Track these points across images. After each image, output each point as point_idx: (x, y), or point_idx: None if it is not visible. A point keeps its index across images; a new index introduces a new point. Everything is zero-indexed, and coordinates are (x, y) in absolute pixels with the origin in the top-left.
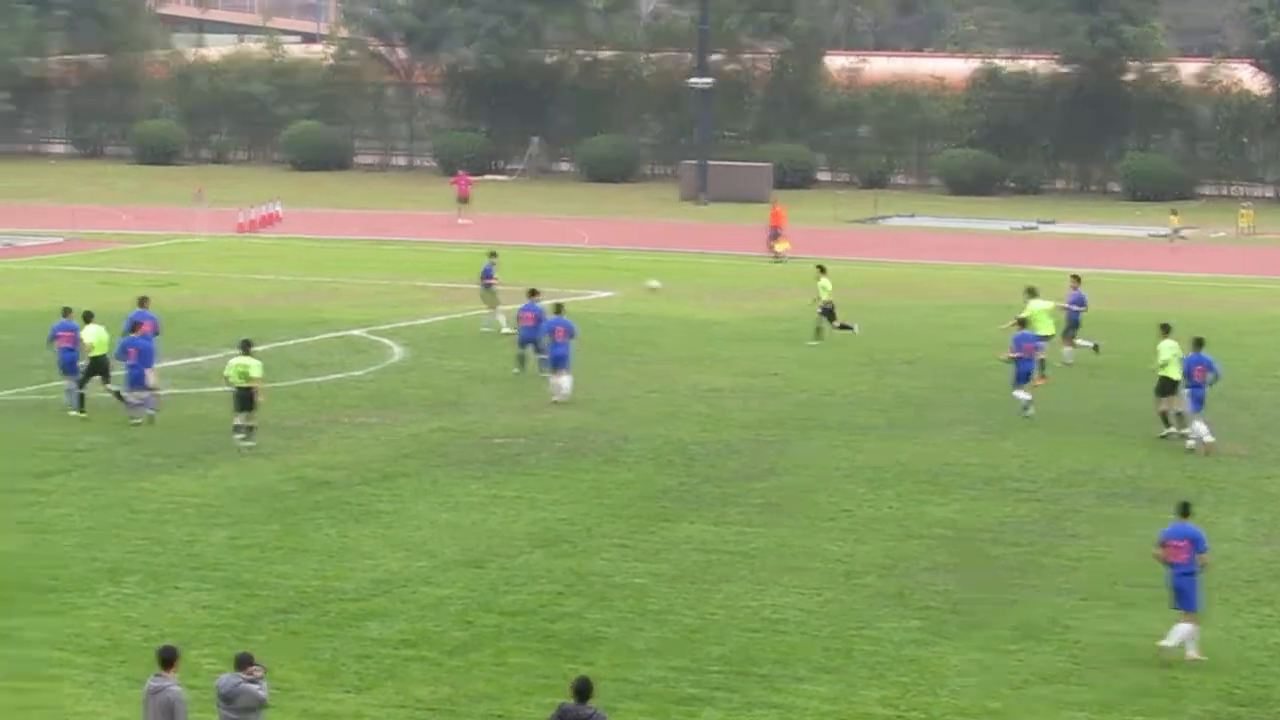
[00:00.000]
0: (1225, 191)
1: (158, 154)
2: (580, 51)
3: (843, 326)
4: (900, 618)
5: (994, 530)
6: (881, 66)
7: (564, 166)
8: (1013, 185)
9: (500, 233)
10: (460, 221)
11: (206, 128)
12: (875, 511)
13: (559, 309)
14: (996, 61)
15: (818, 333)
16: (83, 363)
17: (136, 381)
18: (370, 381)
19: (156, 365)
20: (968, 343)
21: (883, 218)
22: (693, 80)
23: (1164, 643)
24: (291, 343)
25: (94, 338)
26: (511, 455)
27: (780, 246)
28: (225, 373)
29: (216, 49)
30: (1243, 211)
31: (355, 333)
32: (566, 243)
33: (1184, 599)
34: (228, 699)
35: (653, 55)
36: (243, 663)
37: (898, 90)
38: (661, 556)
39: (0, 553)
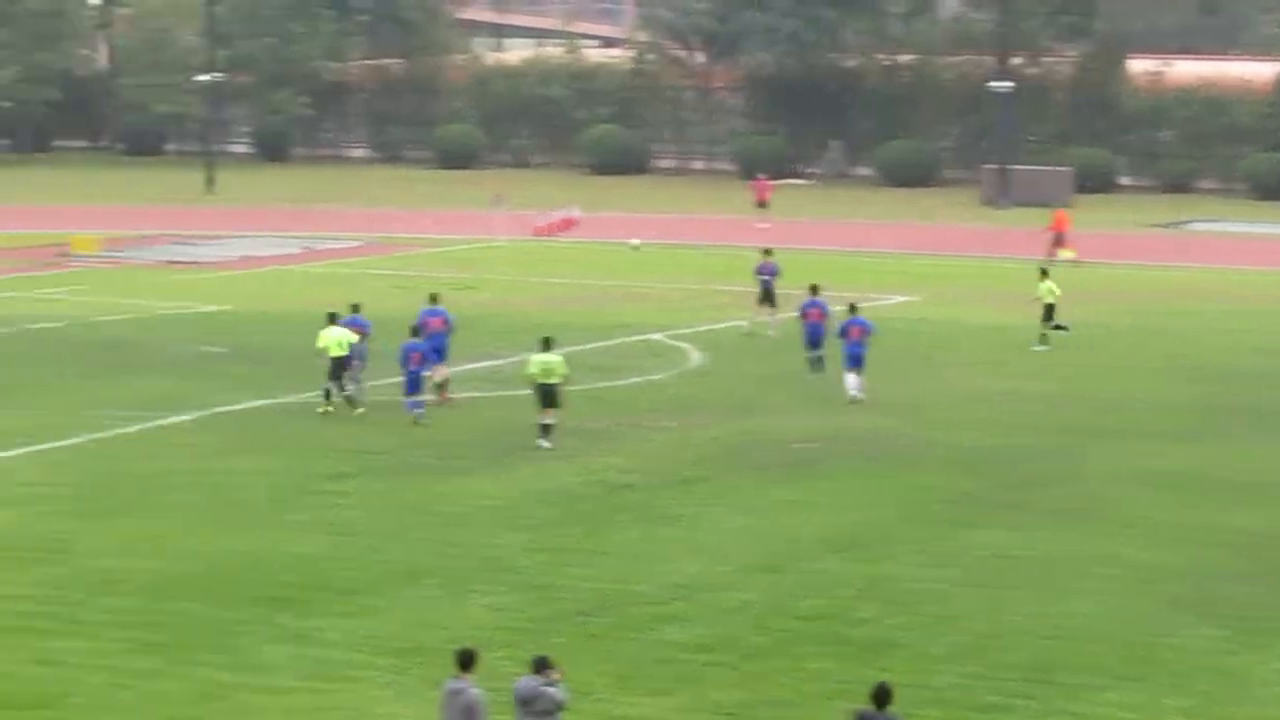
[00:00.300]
0: None
1: (457, 158)
2: (880, 55)
3: (1057, 327)
4: (1202, 625)
5: None
6: (1186, 69)
7: (863, 171)
8: None
9: (798, 237)
10: (758, 226)
11: (505, 131)
12: (1173, 517)
13: (853, 309)
14: None
15: (1043, 338)
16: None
17: (414, 386)
18: (669, 385)
19: (446, 366)
20: (1272, 349)
21: (1185, 222)
22: (993, 84)
23: None
24: (589, 346)
25: (332, 339)
26: (808, 459)
27: (1065, 254)
28: (529, 370)
29: (516, 53)
30: None
31: (654, 336)
32: (863, 247)
33: None
34: (526, 702)
35: (953, 59)
36: (540, 665)
37: (1203, 93)
38: (955, 561)
39: (301, 555)
